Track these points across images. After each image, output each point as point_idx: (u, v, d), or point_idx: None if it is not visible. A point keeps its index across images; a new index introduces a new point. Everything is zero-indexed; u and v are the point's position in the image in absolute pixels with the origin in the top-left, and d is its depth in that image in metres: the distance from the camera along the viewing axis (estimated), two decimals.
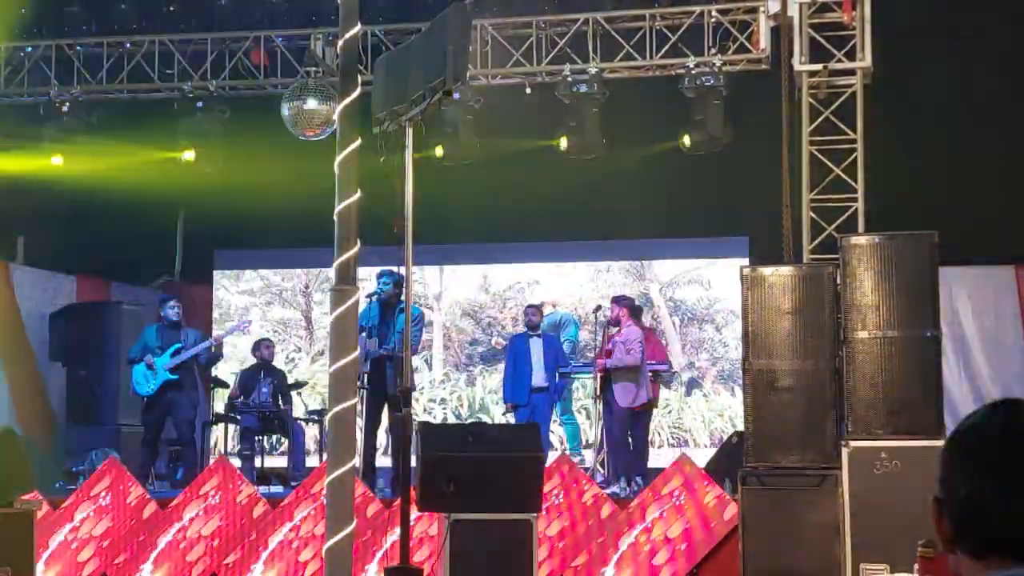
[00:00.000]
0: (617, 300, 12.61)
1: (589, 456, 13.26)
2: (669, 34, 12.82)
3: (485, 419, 15.34)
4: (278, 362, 14.60)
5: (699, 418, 15.53)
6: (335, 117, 7.57)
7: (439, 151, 13.63)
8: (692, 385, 15.62)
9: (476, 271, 16.43)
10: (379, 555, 9.71)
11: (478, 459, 8.18)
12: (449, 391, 16.31)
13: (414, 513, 8.41)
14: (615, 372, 12.07)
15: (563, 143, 13.38)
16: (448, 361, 16.37)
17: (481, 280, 16.43)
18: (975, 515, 1.82)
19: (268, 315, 16.71)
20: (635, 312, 12.62)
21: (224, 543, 10.24)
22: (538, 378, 12.96)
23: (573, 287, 16.15)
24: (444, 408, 16.18)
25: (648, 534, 9.61)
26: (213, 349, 13.19)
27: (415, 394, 12.39)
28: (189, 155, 13.99)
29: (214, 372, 14.46)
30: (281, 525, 10.18)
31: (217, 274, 16.79)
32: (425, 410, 15.83)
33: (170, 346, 12.68)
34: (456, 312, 16.40)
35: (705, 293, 15.85)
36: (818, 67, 11.72)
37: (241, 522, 10.29)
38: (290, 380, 14.07)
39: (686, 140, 13.18)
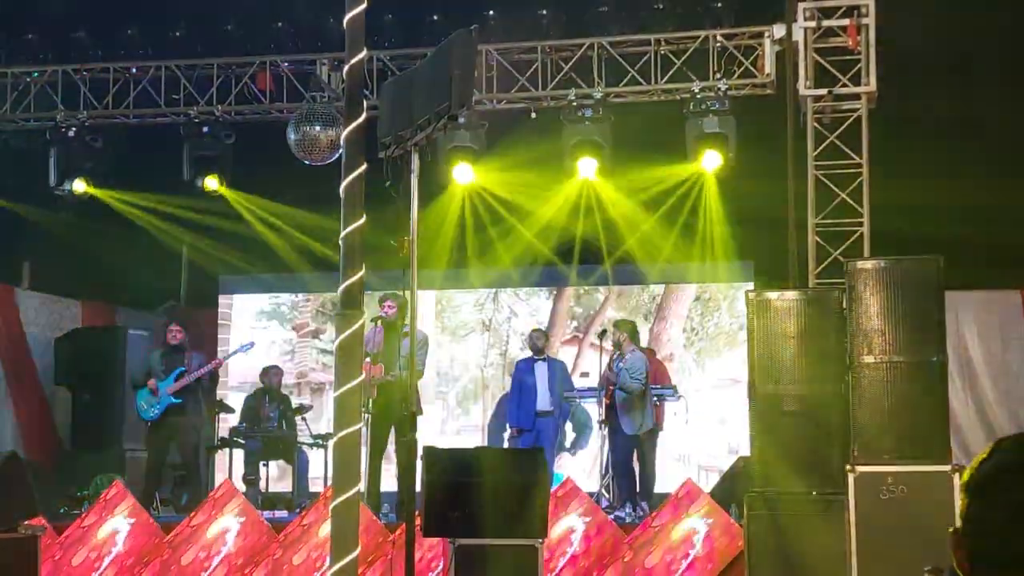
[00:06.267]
0: (619, 325, 12.59)
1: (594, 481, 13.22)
2: (674, 59, 12.84)
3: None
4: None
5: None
6: (341, 142, 7.58)
7: (444, 175, 13.65)
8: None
9: (478, 295, 16.41)
10: None
11: (483, 484, 8.16)
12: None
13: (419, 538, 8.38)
14: (621, 401, 12.07)
15: (567, 167, 13.38)
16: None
17: (484, 304, 16.40)
18: (994, 549, 1.86)
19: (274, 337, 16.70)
20: (635, 336, 12.62)
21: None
22: (543, 402, 12.94)
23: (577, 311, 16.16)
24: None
25: (649, 561, 9.57)
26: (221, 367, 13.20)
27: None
28: (194, 180, 14.01)
29: (218, 396, 14.45)
30: (280, 551, 10.14)
31: (222, 299, 16.78)
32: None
33: (173, 370, 12.67)
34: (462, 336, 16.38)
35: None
36: (823, 92, 11.73)
37: (241, 549, 10.27)
38: (294, 404, 14.05)
39: (700, 164, 13.15)
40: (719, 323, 15.80)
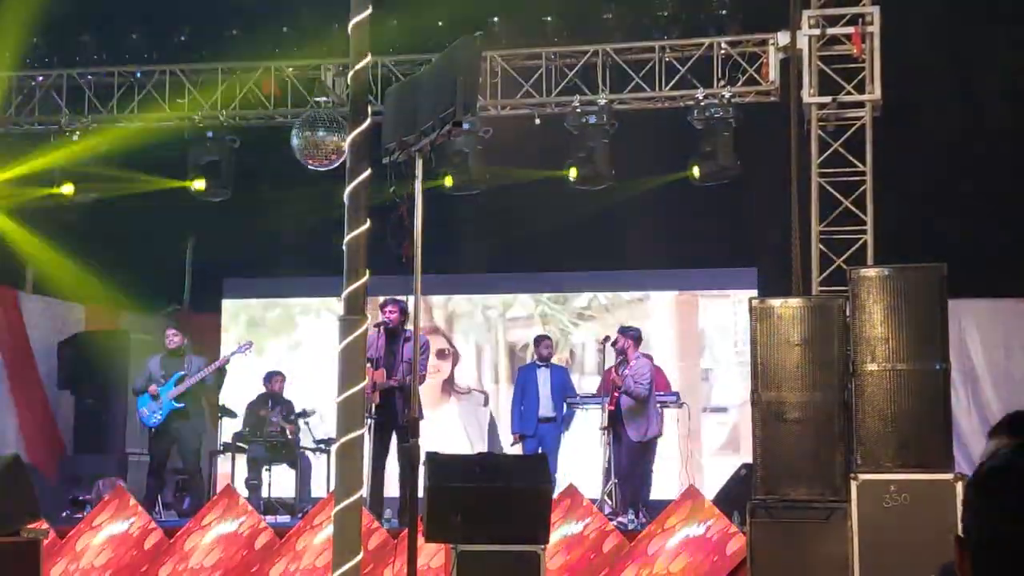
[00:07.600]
0: (624, 331, 12.58)
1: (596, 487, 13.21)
2: (678, 66, 12.85)
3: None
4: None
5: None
6: (344, 147, 7.58)
7: (448, 181, 13.66)
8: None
9: (484, 301, 16.41)
10: None
11: (486, 490, 8.15)
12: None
13: (421, 544, 8.37)
14: (627, 407, 12.08)
15: (572, 174, 13.39)
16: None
17: (489, 309, 16.41)
18: (998, 556, 1.86)
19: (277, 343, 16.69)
20: (640, 342, 12.62)
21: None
22: (545, 408, 12.93)
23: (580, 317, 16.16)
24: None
25: (651, 568, 9.56)
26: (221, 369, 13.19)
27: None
28: (199, 184, 14.01)
29: (221, 401, 14.44)
30: (282, 556, 10.14)
31: (226, 302, 16.78)
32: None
33: (173, 375, 12.67)
34: (464, 342, 16.39)
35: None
36: (827, 99, 11.75)
37: (243, 553, 10.26)
38: (297, 409, 14.03)
39: (695, 171, 13.15)
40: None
